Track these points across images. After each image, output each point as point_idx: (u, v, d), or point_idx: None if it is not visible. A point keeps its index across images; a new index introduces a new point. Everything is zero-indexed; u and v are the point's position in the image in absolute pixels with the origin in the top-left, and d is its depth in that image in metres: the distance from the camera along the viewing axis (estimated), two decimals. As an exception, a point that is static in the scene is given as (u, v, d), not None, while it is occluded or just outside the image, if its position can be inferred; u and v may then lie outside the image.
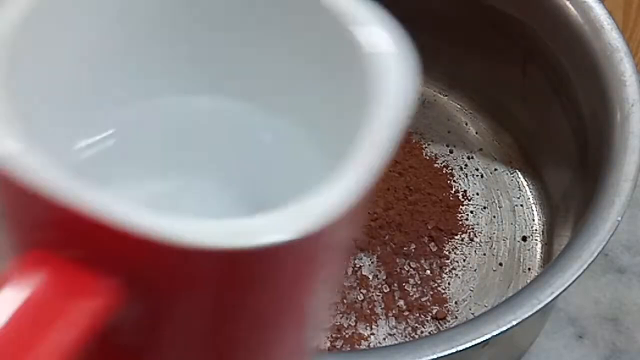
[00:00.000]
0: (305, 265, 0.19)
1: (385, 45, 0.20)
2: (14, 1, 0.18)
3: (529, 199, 0.58)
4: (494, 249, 0.56)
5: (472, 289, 0.54)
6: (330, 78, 0.22)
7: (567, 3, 0.48)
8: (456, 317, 0.53)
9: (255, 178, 0.24)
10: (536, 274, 0.54)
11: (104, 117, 0.22)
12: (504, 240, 0.56)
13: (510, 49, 0.54)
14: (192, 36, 0.22)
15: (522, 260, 0.56)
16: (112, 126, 0.23)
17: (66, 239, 0.18)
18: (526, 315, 0.39)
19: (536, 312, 0.40)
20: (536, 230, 0.56)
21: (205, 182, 0.24)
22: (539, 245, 0.56)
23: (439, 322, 0.52)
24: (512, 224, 0.57)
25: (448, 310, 0.52)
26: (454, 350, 0.39)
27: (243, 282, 0.19)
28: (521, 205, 0.57)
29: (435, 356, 0.38)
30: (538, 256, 0.56)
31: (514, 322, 0.39)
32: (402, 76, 0.20)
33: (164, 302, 0.19)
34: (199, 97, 0.23)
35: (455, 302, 0.53)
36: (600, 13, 0.47)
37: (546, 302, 0.40)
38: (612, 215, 0.42)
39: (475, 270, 0.54)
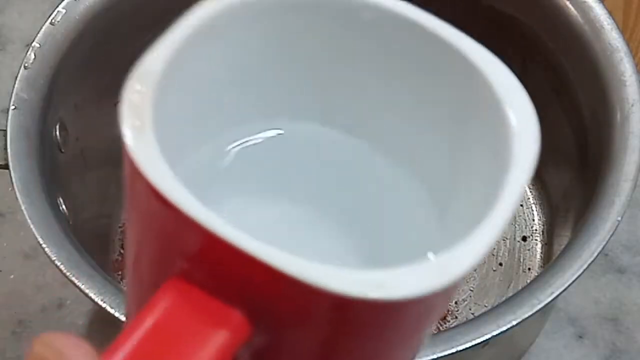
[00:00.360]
0: (423, 317, 0.20)
1: (522, 108, 0.21)
2: (164, 41, 0.20)
3: (529, 199, 0.58)
4: (494, 248, 0.56)
5: (472, 288, 0.54)
6: (458, 131, 0.22)
7: (567, 3, 0.48)
8: (456, 317, 0.53)
9: (356, 213, 0.24)
10: (536, 274, 0.54)
11: (221, 139, 0.23)
12: (504, 240, 0.56)
13: (510, 49, 0.54)
14: (315, 66, 0.23)
15: (522, 260, 0.56)
16: (228, 145, 0.23)
17: (201, 270, 0.18)
18: (526, 315, 0.39)
19: (536, 312, 0.40)
20: (536, 230, 0.56)
21: (303, 210, 0.24)
22: (539, 245, 0.56)
23: (438, 322, 0.52)
24: (512, 224, 0.57)
25: (448, 310, 0.52)
26: (453, 350, 0.39)
27: (365, 329, 0.19)
28: (521, 205, 0.57)
29: (435, 356, 0.38)
30: (538, 256, 0.56)
31: (514, 322, 0.39)
32: (534, 142, 0.20)
33: (281, 340, 0.19)
34: (311, 124, 0.24)
35: (455, 302, 0.53)
36: (600, 13, 0.47)
37: (546, 302, 0.40)
38: (612, 215, 0.42)
39: (475, 270, 0.54)
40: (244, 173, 0.24)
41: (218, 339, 0.18)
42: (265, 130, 0.24)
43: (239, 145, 0.24)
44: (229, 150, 0.24)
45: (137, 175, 0.18)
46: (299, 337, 0.20)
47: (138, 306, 0.19)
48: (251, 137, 0.24)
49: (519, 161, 0.20)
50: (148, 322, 0.18)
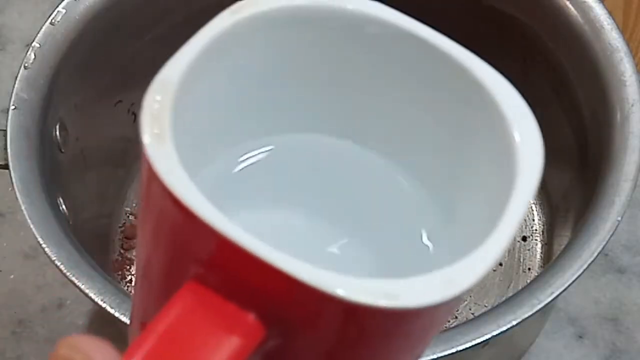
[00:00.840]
0: (431, 325, 0.21)
1: (525, 122, 0.21)
2: (182, 52, 0.21)
3: (529, 199, 0.58)
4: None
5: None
6: (461, 144, 0.23)
7: (567, 3, 0.48)
8: (456, 317, 0.53)
9: (364, 222, 0.25)
10: (536, 274, 0.54)
11: (232, 152, 0.24)
12: (504, 240, 0.56)
13: (510, 49, 0.54)
14: (322, 80, 0.24)
15: (522, 260, 0.56)
16: (239, 158, 0.24)
17: (217, 274, 0.19)
18: (526, 315, 0.39)
19: (536, 312, 0.40)
20: (536, 230, 0.56)
21: (312, 221, 0.25)
22: (539, 245, 0.56)
23: (439, 322, 0.52)
24: (512, 224, 0.57)
25: (448, 310, 0.52)
26: (453, 350, 0.39)
27: (374, 336, 0.20)
28: (521, 205, 0.57)
29: (435, 356, 0.38)
30: (538, 256, 0.56)
31: (514, 322, 0.39)
32: (539, 156, 0.21)
33: (293, 344, 0.20)
34: (327, 137, 0.25)
35: (455, 302, 0.53)
36: (600, 13, 0.47)
37: (546, 302, 0.40)
38: (612, 215, 0.42)
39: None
40: (253, 186, 0.24)
41: (233, 342, 0.19)
42: (269, 145, 0.25)
43: (248, 157, 0.24)
44: (240, 162, 0.24)
45: (156, 181, 0.19)
46: (310, 341, 0.20)
47: (147, 312, 0.20)
48: (260, 150, 0.24)
49: (524, 175, 0.20)
50: (165, 324, 0.19)
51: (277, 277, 0.18)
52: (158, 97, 0.20)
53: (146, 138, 0.19)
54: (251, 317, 0.19)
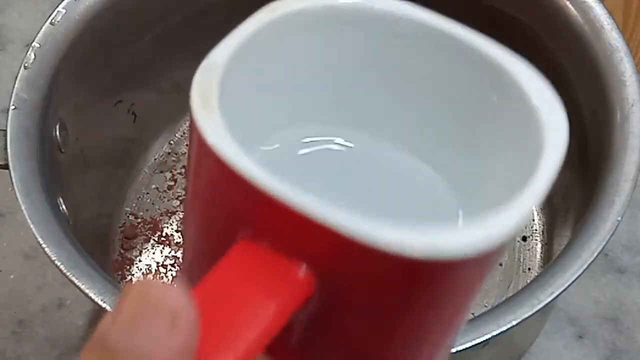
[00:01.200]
0: (477, 277, 0.21)
1: (549, 100, 0.22)
2: (228, 39, 0.22)
3: (529, 199, 0.58)
4: (494, 249, 0.56)
5: (472, 289, 0.54)
6: (483, 127, 0.24)
7: (567, 3, 0.48)
8: (456, 317, 0.52)
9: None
10: (536, 274, 0.54)
11: (275, 133, 0.25)
12: (504, 240, 0.56)
13: (510, 49, 0.54)
14: (353, 75, 0.25)
15: (522, 260, 0.56)
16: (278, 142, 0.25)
17: (268, 234, 0.20)
18: (526, 315, 0.39)
19: (536, 312, 0.40)
20: (536, 230, 0.56)
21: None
22: (539, 245, 0.56)
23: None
24: (512, 224, 0.57)
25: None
26: (453, 350, 0.39)
27: (426, 291, 0.20)
28: (521, 205, 0.57)
29: (435, 356, 0.38)
30: (538, 256, 0.56)
31: (514, 322, 0.39)
32: (564, 128, 0.22)
33: (343, 302, 0.20)
34: (351, 131, 0.26)
35: (455, 302, 0.53)
36: (600, 13, 0.47)
37: (546, 302, 0.40)
38: (612, 215, 0.42)
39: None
40: (298, 170, 0.25)
41: (283, 292, 0.20)
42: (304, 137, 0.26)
43: (280, 148, 0.25)
44: (271, 150, 0.25)
45: (204, 147, 0.20)
46: (359, 301, 0.21)
47: (199, 276, 0.21)
48: (292, 142, 0.25)
49: (550, 141, 0.21)
50: (218, 276, 0.20)
51: (326, 232, 0.19)
52: (206, 75, 0.21)
53: (195, 108, 0.21)
54: (301, 272, 0.20)
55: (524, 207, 0.20)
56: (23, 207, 0.42)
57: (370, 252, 0.19)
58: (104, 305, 0.40)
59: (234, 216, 0.21)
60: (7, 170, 0.44)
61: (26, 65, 0.47)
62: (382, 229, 0.19)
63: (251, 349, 0.19)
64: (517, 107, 0.23)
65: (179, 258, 0.56)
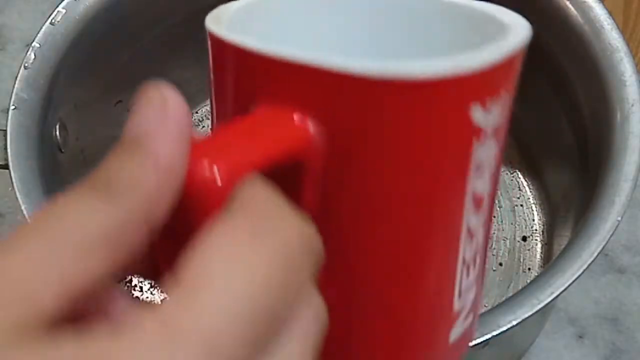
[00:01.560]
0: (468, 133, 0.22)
1: (514, 17, 0.27)
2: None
3: (529, 199, 0.58)
4: (494, 248, 0.56)
5: (472, 289, 0.54)
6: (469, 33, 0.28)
7: (567, 3, 0.48)
8: (456, 317, 0.52)
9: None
10: (536, 274, 0.54)
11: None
12: (504, 240, 0.56)
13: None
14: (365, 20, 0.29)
15: (522, 260, 0.56)
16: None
17: (271, 93, 0.22)
18: (526, 315, 0.39)
19: (536, 312, 0.40)
20: (536, 230, 0.56)
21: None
22: (539, 245, 0.56)
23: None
24: (512, 223, 0.57)
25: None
26: (454, 350, 0.39)
27: (428, 124, 0.21)
28: (521, 205, 0.57)
29: (435, 356, 0.38)
30: (538, 256, 0.56)
31: (514, 322, 0.39)
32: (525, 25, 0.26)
33: (349, 152, 0.22)
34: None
35: (455, 302, 0.53)
36: (600, 13, 0.47)
37: (546, 302, 0.40)
38: (612, 215, 0.42)
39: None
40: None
41: (285, 129, 0.22)
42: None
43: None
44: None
45: (217, 42, 0.23)
46: (363, 148, 0.22)
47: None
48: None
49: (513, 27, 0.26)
50: (231, 125, 0.22)
51: (321, 74, 0.20)
52: (217, 13, 0.25)
53: (209, 26, 0.24)
54: (299, 119, 0.22)
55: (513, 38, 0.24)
56: (23, 207, 0.42)
57: (362, 83, 0.20)
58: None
59: (244, 92, 0.23)
60: (7, 170, 0.44)
61: (26, 65, 0.47)
62: (372, 62, 0.20)
63: (246, 157, 0.21)
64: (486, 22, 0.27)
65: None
